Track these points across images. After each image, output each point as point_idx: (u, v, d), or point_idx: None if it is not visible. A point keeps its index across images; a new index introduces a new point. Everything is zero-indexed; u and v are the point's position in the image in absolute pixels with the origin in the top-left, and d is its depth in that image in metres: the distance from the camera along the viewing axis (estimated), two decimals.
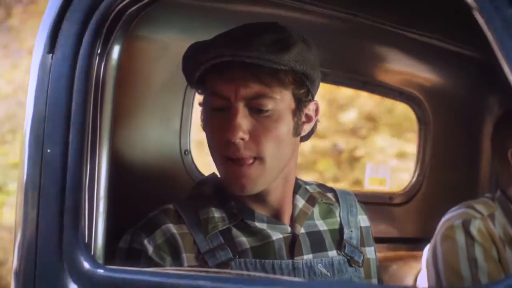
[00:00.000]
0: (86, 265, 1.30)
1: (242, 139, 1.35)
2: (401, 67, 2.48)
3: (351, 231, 1.57)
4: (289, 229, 1.47)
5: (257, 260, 1.41)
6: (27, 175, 1.44)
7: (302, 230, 1.49)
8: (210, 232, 1.42)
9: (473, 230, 2.00)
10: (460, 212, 2.07)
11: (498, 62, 0.96)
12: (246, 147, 1.36)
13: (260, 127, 1.37)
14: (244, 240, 1.42)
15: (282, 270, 1.42)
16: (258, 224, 1.44)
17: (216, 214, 1.44)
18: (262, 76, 1.35)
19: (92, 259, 1.31)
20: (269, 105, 1.37)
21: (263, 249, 1.43)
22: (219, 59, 1.34)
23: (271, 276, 1.37)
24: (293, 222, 1.49)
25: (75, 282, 1.30)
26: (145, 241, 1.38)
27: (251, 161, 1.37)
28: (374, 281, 1.60)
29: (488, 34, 0.95)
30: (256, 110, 1.37)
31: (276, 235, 1.45)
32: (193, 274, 1.33)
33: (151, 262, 1.37)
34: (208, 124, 1.42)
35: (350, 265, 1.52)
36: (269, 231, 1.45)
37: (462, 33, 2.09)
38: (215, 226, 1.42)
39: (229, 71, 1.35)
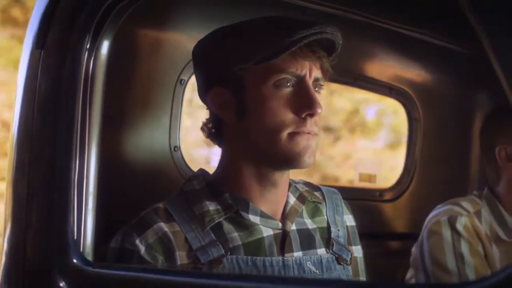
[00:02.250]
0: (75, 261, 1.30)
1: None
2: (391, 63, 2.48)
3: (338, 230, 1.58)
4: (280, 225, 1.48)
5: (249, 257, 1.41)
6: (16, 170, 1.43)
7: (293, 227, 1.49)
8: (207, 226, 1.42)
9: (459, 226, 2.01)
10: (446, 209, 2.08)
11: (488, 58, 0.96)
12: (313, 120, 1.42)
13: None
14: (235, 236, 1.43)
15: (272, 267, 1.42)
16: (252, 217, 1.45)
17: (211, 207, 1.45)
18: (327, 57, 1.44)
19: (81, 256, 1.31)
20: (323, 83, 1.46)
21: (254, 245, 1.43)
22: (319, 36, 1.38)
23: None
24: (284, 218, 1.50)
25: (64, 279, 1.30)
26: (137, 241, 1.38)
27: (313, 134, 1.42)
28: (362, 279, 1.61)
29: (478, 30, 0.96)
30: (315, 87, 1.44)
31: (267, 232, 1.45)
32: (183, 271, 1.33)
33: (143, 262, 1.36)
34: (265, 103, 1.41)
35: (339, 263, 1.53)
36: (261, 226, 1.45)
37: (452, 29, 2.10)
38: (211, 219, 1.43)
39: (309, 48, 1.40)
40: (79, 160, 1.35)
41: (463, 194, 2.23)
